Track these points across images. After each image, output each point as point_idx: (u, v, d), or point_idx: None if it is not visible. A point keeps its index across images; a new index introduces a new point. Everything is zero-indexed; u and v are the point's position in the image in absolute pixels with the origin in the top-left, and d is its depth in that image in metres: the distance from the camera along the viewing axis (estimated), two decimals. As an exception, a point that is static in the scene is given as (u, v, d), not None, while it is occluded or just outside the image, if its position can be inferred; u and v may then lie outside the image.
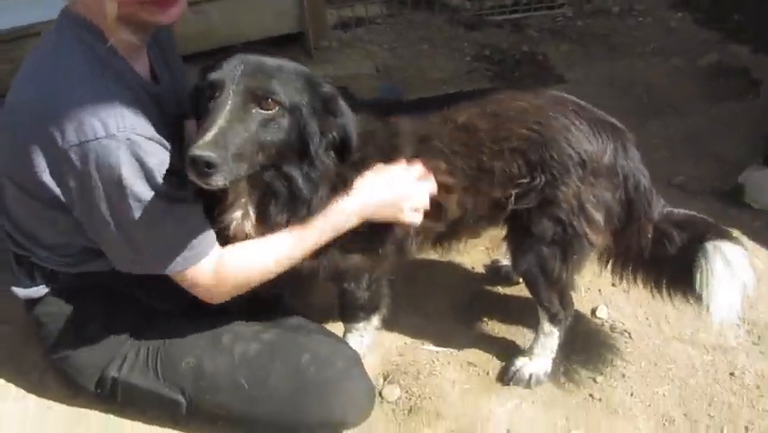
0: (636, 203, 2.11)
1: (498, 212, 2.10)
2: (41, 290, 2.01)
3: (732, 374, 2.39)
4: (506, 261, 2.84)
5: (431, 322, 2.59)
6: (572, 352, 2.47)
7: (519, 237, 2.13)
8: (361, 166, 1.94)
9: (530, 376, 2.34)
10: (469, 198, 2.07)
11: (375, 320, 2.33)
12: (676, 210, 2.23)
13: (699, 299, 2.09)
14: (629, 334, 2.55)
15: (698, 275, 2.06)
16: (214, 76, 1.66)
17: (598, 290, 2.75)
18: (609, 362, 2.42)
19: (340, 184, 1.89)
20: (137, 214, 1.71)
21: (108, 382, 2.11)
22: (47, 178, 1.72)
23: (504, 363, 2.42)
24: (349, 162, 1.87)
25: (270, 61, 1.72)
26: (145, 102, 1.78)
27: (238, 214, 1.87)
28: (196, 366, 2.07)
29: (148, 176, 1.69)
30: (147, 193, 1.70)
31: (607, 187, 2.05)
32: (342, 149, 1.83)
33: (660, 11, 5.17)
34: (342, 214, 1.91)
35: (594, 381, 2.36)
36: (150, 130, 1.71)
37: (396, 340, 2.53)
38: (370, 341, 2.37)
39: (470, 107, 2.05)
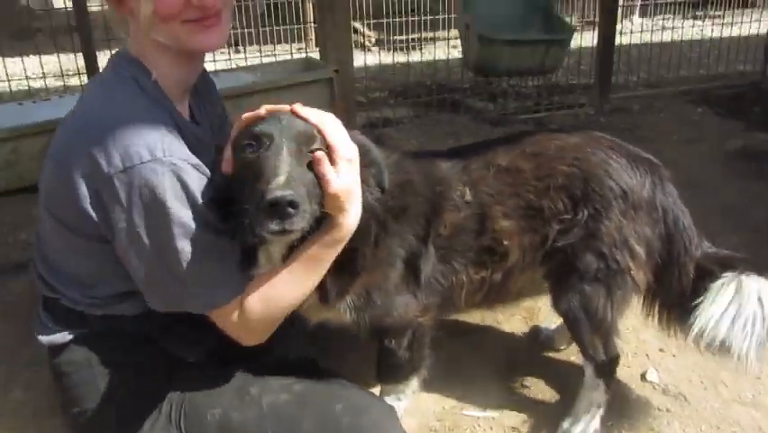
0: (676, 238, 2.05)
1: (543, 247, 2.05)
2: (66, 336, 1.93)
3: (803, 437, 2.19)
4: (545, 326, 2.74)
5: (471, 387, 2.45)
6: (624, 416, 2.30)
7: (562, 275, 2.05)
8: (402, 215, 1.90)
9: None
10: (525, 239, 2.03)
11: (415, 382, 2.19)
12: (721, 250, 2.15)
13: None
14: (684, 397, 2.38)
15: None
16: (260, 128, 1.63)
17: (646, 355, 2.61)
18: (667, 423, 2.24)
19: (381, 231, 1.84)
20: (180, 242, 1.68)
21: (132, 441, 2.00)
22: (87, 206, 1.71)
23: (548, 428, 2.26)
24: (388, 208, 1.84)
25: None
26: (188, 138, 1.82)
27: (268, 263, 1.81)
28: (221, 419, 1.94)
29: (193, 203, 1.68)
30: (191, 221, 1.68)
31: (647, 221, 2.01)
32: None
33: (679, 107, 5.31)
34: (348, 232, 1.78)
35: (653, 445, 2.18)
36: (194, 158, 1.73)
37: (434, 405, 2.39)
38: (407, 404, 2.23)
39: (510, 150, 2.06)
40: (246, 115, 1.71)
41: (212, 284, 1.75)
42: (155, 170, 1.64)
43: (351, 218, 1.73)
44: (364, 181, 1.74)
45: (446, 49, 6.91)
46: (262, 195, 1.48)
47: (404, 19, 7.24)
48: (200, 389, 2.00)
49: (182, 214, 1.67)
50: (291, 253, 1.77)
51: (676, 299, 2.12)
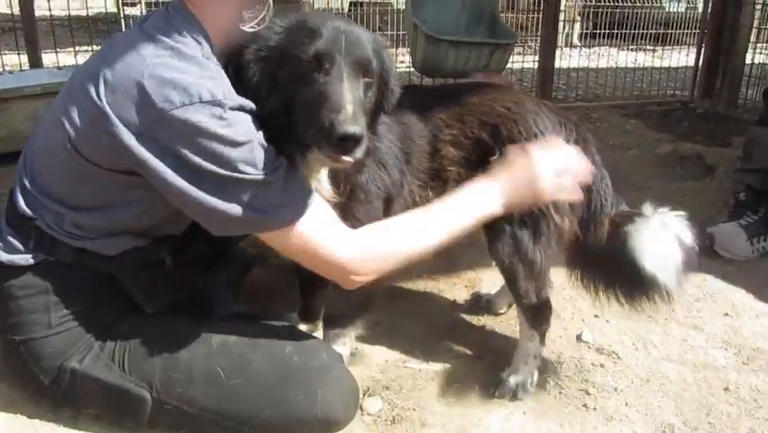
0: (594, 195, 2.18)
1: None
2: (29, 259, 1.86)
3: (726, 389, 2.29)
4: (486, 291, 2.80)
5: (413, 344, 2.48)
6: (560, 369, 2.37)
7: (494, 221, 2.09)
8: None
9: (516, 386, 2.22)
10: (463, 167, 2.15)
11: (360, 326, 2.22)
12: (634, 209, 2.26)
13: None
14: (617, 355, 2.47)
15: (631, 239, 2.11)
16: (321, 45, 1.66)
17: (582, 320, 2.70)
18: (600, 376, 2.32)
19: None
20: (246, 172, 1.65)
21: (66, 374, 1.92)
22: (132, 151, 1.65)
23: (487, 379, 2.30)
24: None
25: (359, 30, 1.78)
26: None
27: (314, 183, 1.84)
28: (167, 356, 1.91)
29: (256, 143, 1.67)
30: (256, 156, 1.66)
31: None
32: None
33: (615, 119, 5.57)
34: (485, 194, 1.90)
35: (586, 393, 2.24)
36: (250, 104, 1.71)
37: (376, 358, 2.40)
38: (349, 351, 2.25)
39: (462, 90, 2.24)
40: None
41: (284, 199, 1.70)
42: (213, 111, 1.62)
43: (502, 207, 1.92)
44: None
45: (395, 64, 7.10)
46: (331, 125, 1.55)
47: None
48: (148, 329, 1.97)
49: (244, 151, 1.65)
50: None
51: (590, 253, 2.23)
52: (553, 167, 1.94)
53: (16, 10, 5.16)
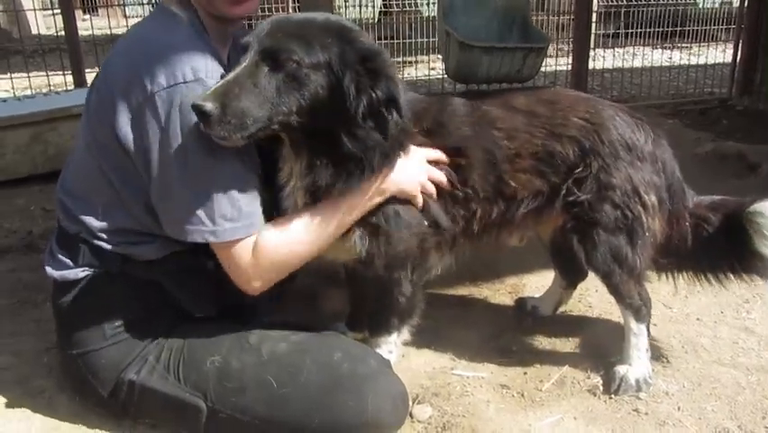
0: (675, 188, 2.19)
1: (554, 200, 2.15)
2: (79, 273, 1.95)
3: (781, 391, 2.26)
4: (531, 296, 2.80)
5: (460, 351, 2.49)
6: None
7: (586, 230, 2.14)
8: (417, 141, 1.98)
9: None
10: (535, 182, 2.12)
11: (406, 332, 2.23)
12: (706, 197, 2.29)
13: (761, 260, 2.14)
14: (666, 359, 2.44)
15: (753, 235, 2.12)
16: (245, 39, 1.75)
17: (629, 324, 2.67)
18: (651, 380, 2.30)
19: (396, 153, 1.88)
20: (209, 163, 1.73)
21: (124, 386, 1.99)
22: (126, 130, 1.76)
23: (536, 385, 2.30)
24: (406, 132, 1.89)
25: (300, 18, 1.79)
26: None
27: (289, 180, 1.89)
28: (221, 366, 1.96)
29: None
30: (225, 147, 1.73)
31: (652, 170, 2.13)
32: (390, 112, 1.79)
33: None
34: (375, 190, 1.92)
35: (637, 397, 2.22)
36: None
37: (425, 366, 2.42)
38: (397, 358, 2.26)
39: (527, 96, 2.17)
40: None
41: (229, 215, 1.78)
42: (196, 90, 1.70)
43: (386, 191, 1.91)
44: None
45: (426, 71, 7.14)
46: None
47: (383, 42, 7.43)
48: (200, 337, 2.03)
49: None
50: (315, 162, 1.83)
51: (674, 246, 2.25)
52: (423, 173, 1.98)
53: (57, 31, 5.35)
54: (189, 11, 1.90)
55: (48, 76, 5.98)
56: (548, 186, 2.13)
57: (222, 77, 1.73)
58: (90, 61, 5.66)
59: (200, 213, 1.77)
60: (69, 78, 5.48)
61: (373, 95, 1.75)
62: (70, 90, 5.28)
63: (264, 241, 1.85)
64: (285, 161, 1.88)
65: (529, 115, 2.10)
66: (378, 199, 1.94)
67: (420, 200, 2.01)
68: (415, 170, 1.98)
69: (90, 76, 5.67)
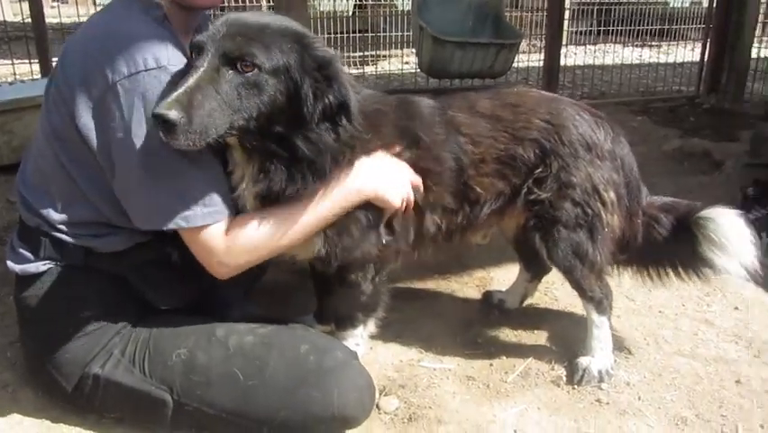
0: (633, 185, 2.23)
1: (516, 199, 2.19)
2: (40, 266, 1.93)
3: (738, 382, 2.32)
4: (498, 290, 2.84)
5: (427, 343, 2.52)
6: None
7: (548, 227, 2.18)
8: (371, 146, 1.95)
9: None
10: (498, 184, 2.15)
11: (371, 325, 2.25)
12: (657, 197, 2.33)
13: (706, 265, 2.21)
14: (629, 350, 2.50)
15: (701, 239, 2.17)
16: (197, 38, 1.69)
17: (593, 317, 2.72)
18: (613, 370, 2.34)
19: (345, 156, 1.87)
20: (177, 152, 1.70)
21: (89, 380, 1.97)
22: (87, 120, 1.74)
23: (501, 377, 2.33)
24: (357, 137, 1.87)
25: (256, 21, 1.74)
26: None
27: (240, 183, 1.87)
28: (187, 359, 1.95)
29: None
30: None
31: (612, 168, 2.17)
32: (341, 117, 1.80)
33: (621, 116, 5.59)
34: (346, 190, 1.91)
35: (599, 388, 2.27)
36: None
37: (392, 358, 2.44)
38: (364, 351, 2.28)
39: (492, 99, 2.19)
40: None
41: (193, 201, 1.77)
42: (159, 78, 1.69)
43: (358, 196, 1.90)
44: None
45: (399, 65, 7.15)
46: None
47: (357, 35, 7.43)
48: (166, 330, 2.02)
49: None
50: (267, 167, 1.81)
51: (625, 243, 2.29)
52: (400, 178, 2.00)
53: (24, 18, 5.25)
54: (151, 3, 1.87)
55: (13, 64, 5.87)
56: (510, 187, 2.17)
57: (186, 67, 1.72)
58: (58, 50, 5.56)
59: (170, 200, 1.77)
60: (36, 67, 5.38)
61: (327, 100, 1.77)
62: (36, 79, 5.18)
63: (237, 229, 1.85)
64: (236, 165, 1.85)
65: (493, 120, 2.13)
66: (354, 200, 1.94)
67: (394, 208, 2.01)
68: (401, 181, 2.00)
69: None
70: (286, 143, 1.78)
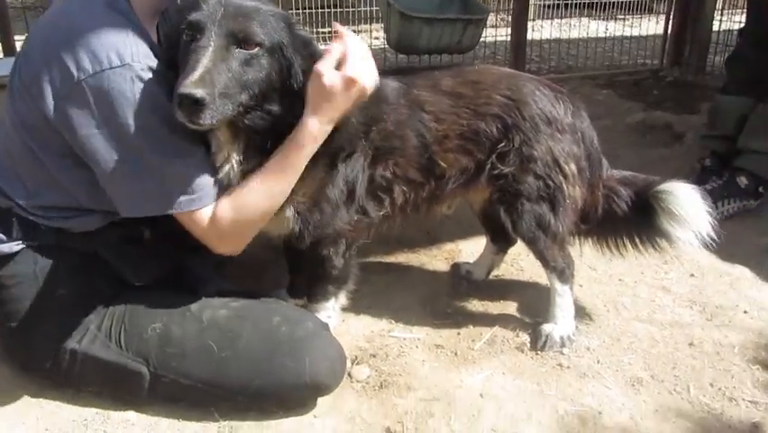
0: (593, 157, 2.32)
1: (480, 174, 2.28)
2: (13, 247, 1.95)
3: (691, 344, 2.45)
4: (465, 262, 2.92)
5: (397, 314, 2.60)
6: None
7: (511, 200, 2.26)
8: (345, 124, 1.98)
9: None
10: (462, 160, 2.23)
11: (343, 297, 2.33)
12: (617, 171, 2.43)
13: (663, 236, 2.32)
14: (589, 317, 2.61)
15: (660, 212, 2.27)
16: (195, 17, 1.72)
17: (556, 286, 2.83)
18: (574, 336, 2.45)
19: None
20: (149, 144, 1.74)
21: (66, 355, 2.02)
22: (57, 115, 1.75)
23: (469, 344, 2.43)
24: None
25: (247, 3, 1.80)
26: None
27: (225, 163, 1.90)
28: (162, 332, 2.01)
29: (160, 107, 1.74)
30: (160, 125, 1.74)
31: (572, 141, 2.26)
32: None
33: (587, 90, 5.69)
34: (309, 133, 1.86)
35: (561, 353, 2.38)
36: (161, 66, 1.80)
37: (362, 329, 2.52)
38: (336, 322, 2.36)
39: (453, 77, 2.25)
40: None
41: (183, 187, 1.81)
42: (124, 76, 1.70)
43: (319, 123, 1.84)
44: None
45: (369, 39, 7.14)
46: (177, 87, 1.60)
47: (326, 11, 7.39)
48: (141, 305, 2.07)
49: (152, 119, 1.73)
50: (250, 142, 1.86)
51: (585, 214, 2.39)
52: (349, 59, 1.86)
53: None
54: None
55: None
56: (474, 162, 2.25)
57: (156, 56, 1.77)
58: (19, 27, 5.46)
59: (156, 189, 1.80)
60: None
61: (296, 72, 1.86)
62: (0, 59, 5.09)
63: (221, 207, 1.89)
64: (221, 146, 1.88)
65: (455, 97, 2.20)
66: (323, 134, 1.88)
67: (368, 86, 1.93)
68: (341, 89, 1.85)
69: (19, 44, 5.49)
70: (273, 119, 1.84)
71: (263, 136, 1.87)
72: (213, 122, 1.66)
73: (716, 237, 2.27)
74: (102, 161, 1.77)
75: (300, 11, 7.14)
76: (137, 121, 1.72)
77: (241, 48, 1.73)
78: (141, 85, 1.72)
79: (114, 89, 1.70)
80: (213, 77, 1.63)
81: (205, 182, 1.86)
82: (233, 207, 1.89)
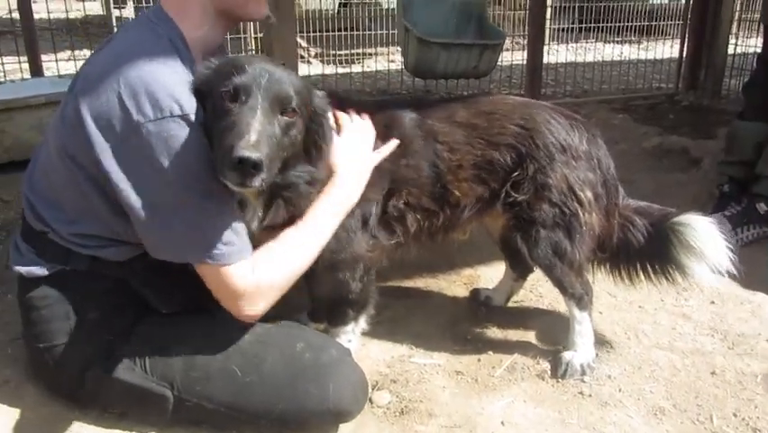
0: (610, 184, 2.32)
1: (495, 202, 2.31)
2: (44, 270, 1.98)
3: (713, 373, 2.44)
4: (484, 287, 2.93)
5: (417, 340, 2.61)
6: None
7: (527, 228, 2.28)
8: None
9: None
10: (477, 189, 2.27)
11: (363, 321, 2.35)
12: (632, 200, 2.46)
13: (679, 268, 2.32)
14: (610, 344, 2.61)
15: (677, 244, 2.27)
16: (241, 80, 1.72)
17: (576, 312, 2.83)
18: (595, 365, 2.45)
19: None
20: (195, 195, 1.76)
21: (91, 377, 2.04)
22: (105, 154, 1.75)
23: (489, 371, 2.43)
24: None
25: (279, 68, 1.84)
26: None
27: (252, 220, 1.93)
28: (186, 357, 2.02)
29: (210, 159, 1.75)
30: (210, 179, 1.75)
31: (587, 168, 2.28)
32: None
33: (603, 114, 5.71)
34: (344, 197, 2.02)
35: (582, 381, 2.38)
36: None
37: (382, 354, 2.53)
38: (356, 347, 2.37)
39: (467, 108, 2.30)
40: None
41: (229, 239, 1.81)
42: (182, 125, 1.72)
43: (350, 185, 1.99)
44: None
45: (386, 63, 7.22)
46: (231, 149, 1.59)
47: (343, 33, 7.48)
48: (166, 330, 2.08)
49: (202, 171, 1.75)
50: (262, 198, 1.90)
51: (600, 242, 2.39)
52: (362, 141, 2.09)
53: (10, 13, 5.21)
54: (172, 29, 1.88)
55: (2, 63, 5.82)
56: (488, 191, 2.28)
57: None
58: (45, 47, 5.54)
59: (196, 239, 1.80)
60: (25, 65, 5.34)
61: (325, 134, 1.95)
62: (27, 80, 5.18)
63: (259, 267, 1.89)
64: (246, 204, 1.91)
65: (469, 128, 2.24)
66: (354, 198, 2.05)
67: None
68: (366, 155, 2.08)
69: (46, 64, 5.56)
70: (290, 178, 1.88)
71: (282, 194, 1.91)
72: (262, 186, 1.68)
73: (735, 268, 2.27)
74: (146, 206, 1.77)
75: (318, 33, 7.23)
76: (190, 169, 1.74)
77: (282, 114, 1.76)
78: (195, 135, 1.74)
79: (173, 137, 1.71)
80: (264, 141, 1.65)
81: (243, 237, 1.86)
82: (271, 268, 1.91)
